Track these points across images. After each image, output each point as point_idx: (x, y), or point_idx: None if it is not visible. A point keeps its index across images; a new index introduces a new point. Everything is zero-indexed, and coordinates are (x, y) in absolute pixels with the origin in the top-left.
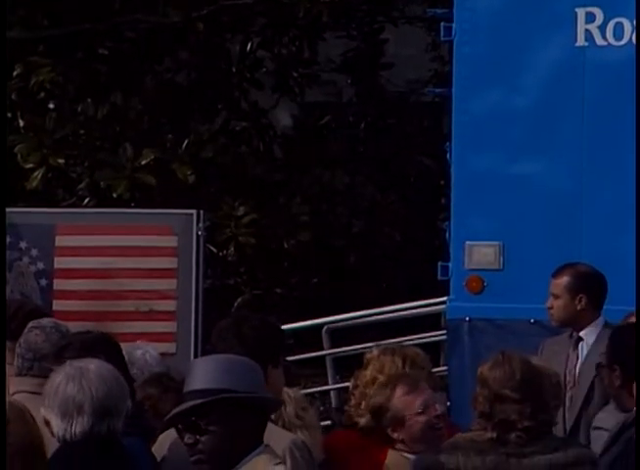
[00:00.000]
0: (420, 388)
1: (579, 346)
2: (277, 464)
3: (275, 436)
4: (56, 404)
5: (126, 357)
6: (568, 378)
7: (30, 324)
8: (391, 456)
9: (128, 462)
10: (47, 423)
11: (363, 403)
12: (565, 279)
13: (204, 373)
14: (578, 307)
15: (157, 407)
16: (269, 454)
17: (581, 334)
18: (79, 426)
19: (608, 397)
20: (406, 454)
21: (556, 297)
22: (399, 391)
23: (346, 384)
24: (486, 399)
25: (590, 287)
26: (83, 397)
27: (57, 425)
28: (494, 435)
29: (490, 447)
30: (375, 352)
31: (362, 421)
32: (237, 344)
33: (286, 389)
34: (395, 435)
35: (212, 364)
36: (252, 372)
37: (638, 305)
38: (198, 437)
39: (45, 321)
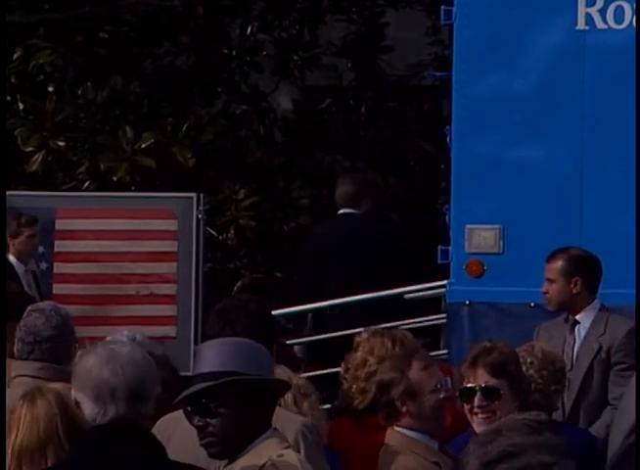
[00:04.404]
0: (433, 366)
1: (576, 329)
2: (285, 448)
3: (284, 419)
4: (89, 387)
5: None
6: (565, 361)
7: (30, 308)
8: (393, 435)
9: (158, 448)
10: (77, 404)
11: (354, 386)
12: (559, 263)
13: (213, 356)
14: (574, 291)
15: None
16: (278, 438)
17: (578, 317)
18: (112, 410)
19: (606, 379)
20: (408, 432)
21: (551, 281)
22: (416, 364)
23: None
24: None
25: (585, 270)
26: (117, 381)
27: (89, 408)
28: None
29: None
30: (364, 334)
31: (356, 403)
32: (248, 325)
33: (290, 375)
34: (404, 408)
35: (222, 347)
36: (261, 355)
37: (638, 289)
38: (208, 419)
39: (44, 304)
